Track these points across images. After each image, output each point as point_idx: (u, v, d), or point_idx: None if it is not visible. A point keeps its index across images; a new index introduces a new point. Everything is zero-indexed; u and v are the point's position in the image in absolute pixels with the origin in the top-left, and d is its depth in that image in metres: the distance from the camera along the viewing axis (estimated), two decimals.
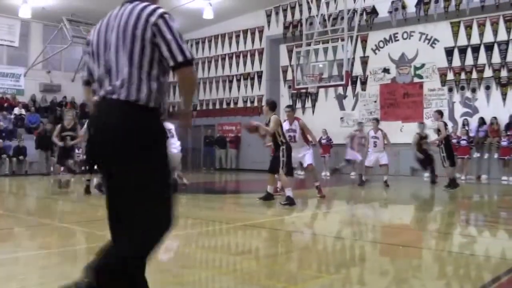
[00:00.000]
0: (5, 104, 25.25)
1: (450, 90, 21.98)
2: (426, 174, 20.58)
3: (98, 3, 23.98)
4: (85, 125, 13.95)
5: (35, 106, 26.42)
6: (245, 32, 28.02)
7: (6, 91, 26.04)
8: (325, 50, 23.31)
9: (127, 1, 3.32)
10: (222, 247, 7.13)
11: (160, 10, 3.21)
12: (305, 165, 13.12)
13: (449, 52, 21.87)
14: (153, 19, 3.15)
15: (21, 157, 22.66)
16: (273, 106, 11.75)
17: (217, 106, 29.23)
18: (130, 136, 3.06)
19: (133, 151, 3.06)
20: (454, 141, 19.03)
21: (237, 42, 28.33)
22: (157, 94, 3.17)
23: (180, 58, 3.12)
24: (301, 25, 23.82)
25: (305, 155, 12.82)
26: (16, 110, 25.26)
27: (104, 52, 3.24)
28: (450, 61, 21.87)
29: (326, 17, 21.77)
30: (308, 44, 21.80)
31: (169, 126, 12.73)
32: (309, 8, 22.84)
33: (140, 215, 3.10)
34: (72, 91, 27.85)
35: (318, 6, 22.41)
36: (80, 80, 26.95)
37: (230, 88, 28.65)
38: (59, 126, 14.54)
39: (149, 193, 3.11)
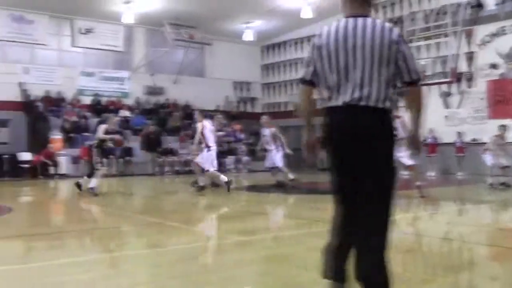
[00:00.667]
0: (111, 107, 26.06)
1: None
2: None
3: (197, 7, 24.59)
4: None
5: (139, 108, 27.17)
6: None
7: (112, 94, 26.89)
8: (428, 47, 22.61)
9: (359, 15, 3.67)
10: None
11: (397, 30, 3.66)
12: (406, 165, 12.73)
13: None
14: (394, 37, 3.58)
15: (128, 158, 23.31)
16: None
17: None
18: (388, 137, 3.64)
19: (390, 149, 3.65)
20: None
21: None
22: (393, 102, 3.65)
23: (414, 76, 3.64)
24: (403, 22, 23.29)
25: (404, 155, 12.41)
26: (122, 113, 26.01)
27: (345, 61, 3.59)
28: None
29: (429, 13, 21.19)
30: (410, 41, 21.27)
31: None
32: (410, 4, 22.29)
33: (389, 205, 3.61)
34: (175, 93, 28.48)
35: (420, 2, 21.85)
36: (182, 82, 27.64)
37: None
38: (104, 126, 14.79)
39: (393, 186, 3.66)
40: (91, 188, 13.33)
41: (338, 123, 3.64)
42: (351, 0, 3.73)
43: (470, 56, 22.98)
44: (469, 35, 22.97)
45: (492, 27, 22.48)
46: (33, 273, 5.37)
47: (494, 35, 22.51)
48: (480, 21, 22.62)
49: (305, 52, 28.91)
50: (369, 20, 3.62)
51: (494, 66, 22.48)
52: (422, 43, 21.99)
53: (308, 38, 29.09)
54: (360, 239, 3.65)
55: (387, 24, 3.63)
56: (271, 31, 29.66)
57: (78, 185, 13.74)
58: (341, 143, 3.63)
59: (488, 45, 22.68)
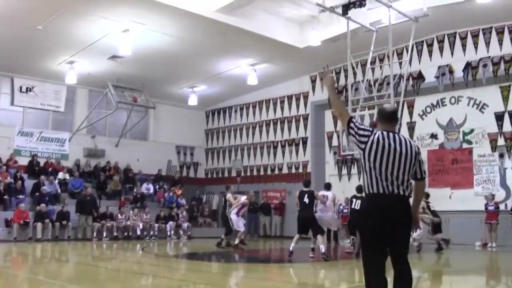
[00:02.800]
0: (50, 169, 25.30)
1: (501, 156, 21.19)
2: (478, 243, 19.91)
3: (142, 70, 24.58)
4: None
5: (79, 170, 26.45)
6: (289, 97, 27.89)
7: (50, 156, 26.16)
8: (372, 116, 22.88)
9: (392, 131, 5.37)
10: None
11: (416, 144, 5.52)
12: None
13: (499, 117, 21.13)
14: (417, 150, 5.38)
15: (64, 222, 22.49)
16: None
17: (262, 172, 28.86)
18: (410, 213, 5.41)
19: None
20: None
21: (282, 108, 28.19)
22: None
23: (424, 175, 5.53)
24: (346, 91, 23.60)
25: None
26: (60, 175, 25.28)
27: (387, 161, 5.19)
28: (500, 126, 21.11)
29: (372, 83, 21.53)
30: (354, 110, 21.51)
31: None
32: (354, 74, 22.62)
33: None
34: (116, 156, 27.93)
35: (364, 72, 22.23)
36: (124, 145, 27.28)
37: (275, 154, 28.33)
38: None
39: None
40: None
41: (382, 206, 5.19)
42: (389, 122, 5.44)
43: (411, 126, 23.39)
44: (410, 105, 23.46)
45: (432, 99, 23.04)
46: None
47: (435, 106, 23.05)
48: (421, 93, 23.17)
49: (250, 118, 29.07)
50: (400, 136, 5.36)
51: (434, 136, 22.91)
52: (365, 112, 22.27)
53: (254, 104, 29.26)
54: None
55: (411, 140, 5.47)
56: (215, 96, 29.71)
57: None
58: (386, 221, 5.15)
59: (428, 116, 23.18)
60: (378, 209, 5.18)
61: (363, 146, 5.25)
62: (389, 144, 5.20)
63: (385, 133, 5.28)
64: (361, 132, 5.30)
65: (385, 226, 5.15)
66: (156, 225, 24.99)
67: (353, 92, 22.39)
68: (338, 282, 11.24)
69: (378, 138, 5.23)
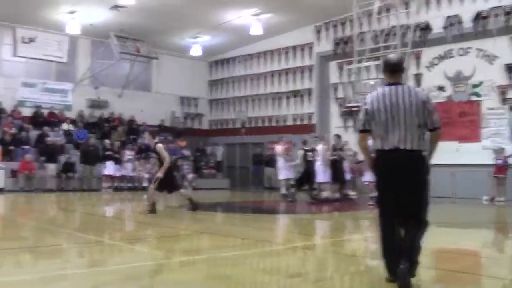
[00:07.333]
0: (53, 120, 25.20)
1: (511, 108, 20.95)
2: (485, 197, 19.68)
3: (145, 20, 24.14)
4: None
5: (83, 121, 26.31)
6: (294, 48, 27.52)
7: (54, 106, 26.00)
8: (377, 67, 22.56)
9: (396, 84, 5.33)
10: (273, 269, 6.67)
11: (424, 92, 5.62)
12: None
13: (509, 69, 20.81)
14: (423, 98, 5.28)
15: (70, 174, 22.53)
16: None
17: (266, 124, 28.70)
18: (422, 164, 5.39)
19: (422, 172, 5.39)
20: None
21: (286, 59, 27.85)
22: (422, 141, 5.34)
23: (436, 125, 5.31)
24: (352, 41, 23.27)
25: None
26: (64, 126, 25.22)
27: (392, 119, 5.19)
28: (510, 78, 20.84)
29: (378, 33, 21.19)
30: (359, 61, 21.23)
31: None
32: (360, 24, 22.28)
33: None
34: (120, 107, 27.79)
35: (370, 22, 21.83)
36: (127, 96, 26.97)
37: (279, 105, 28.13)
38: None
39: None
40: None
41: (390, 159, 5.27)
42: (392, 73, 5.37)
43: (418, 78, 23.06)
44: (417, 57, 23.10)
45: (440, 50, 22.65)
46: None
47: (442, 57, 22.68)
48: (428, 44, 22.77)
49: (254, 69, 28.72)
50: (404, 87, 5.28)
51: (441, 88, 22.60)
52: (371, 63, 21.91)
53: (258, 55, 28.88)
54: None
55: (417, 89, 5.48)
56: (219, 47, 29.34)
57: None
58: (394, 170, 5.26)
59: (436, 67, 22.83)
60: (384, 165, 5.34)
61: (367, 115, 5.37)
62: (390, 100, 5.21)
63: (381, 89, 5.37)
64: (360, 113, 5.51)
65: (392, 178, 5.28)
66: None
67: (358, 43, 22.09)
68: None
69: (376, 99, 5.32)
